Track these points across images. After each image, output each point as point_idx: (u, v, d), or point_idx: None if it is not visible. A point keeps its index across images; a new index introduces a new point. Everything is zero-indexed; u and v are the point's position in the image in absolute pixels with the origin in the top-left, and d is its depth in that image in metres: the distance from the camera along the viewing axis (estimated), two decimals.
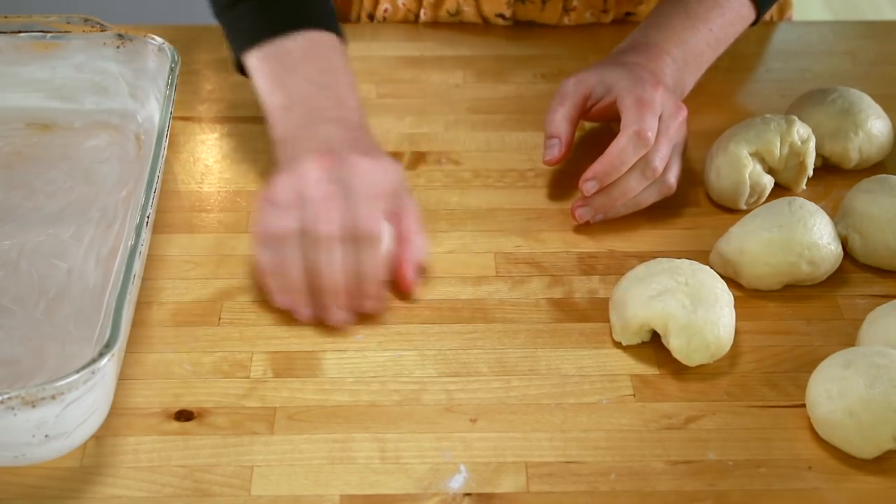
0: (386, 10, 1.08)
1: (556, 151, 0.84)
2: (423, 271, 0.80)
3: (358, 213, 0.73)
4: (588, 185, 0.81)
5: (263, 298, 0.77)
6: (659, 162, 0.81)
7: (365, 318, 0.76)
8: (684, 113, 0.84)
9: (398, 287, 0.78)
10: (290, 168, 0.75)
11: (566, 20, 1.07)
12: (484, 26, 1.07)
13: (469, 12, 1.07)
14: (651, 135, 0.80)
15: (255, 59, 0.81)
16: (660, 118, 0.81)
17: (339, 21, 0.84)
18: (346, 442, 0.68)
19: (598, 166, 0.81)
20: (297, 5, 0.82)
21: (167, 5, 2.17)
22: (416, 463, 0.67)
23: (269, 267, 0.75)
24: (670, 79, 0.87)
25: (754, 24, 0.95)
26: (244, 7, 0.82)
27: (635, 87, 0.82)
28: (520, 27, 1.07)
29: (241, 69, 0.84)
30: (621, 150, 0.80)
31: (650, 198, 0.84)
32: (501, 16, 1.07)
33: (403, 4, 1.07)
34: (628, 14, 1.08)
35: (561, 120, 0.85)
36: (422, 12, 1.07)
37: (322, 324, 0.76)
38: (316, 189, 0.73)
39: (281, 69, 0.81)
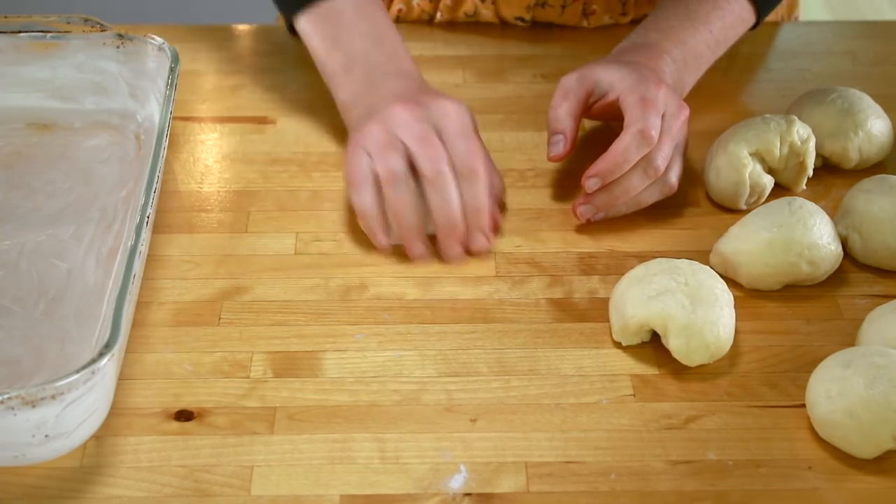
0: (400, 10, 1.07)
1: (560, 148, 0.84)
2: (503, 208, 0.84)
3: (458, 150, 0.77)
4: (590, 183, 0.81)
5: (363, 239, 0.81)
6: (661, 161, 0.81)
7: (472, 254, 0.80)
8: (686, 112, 0.83)
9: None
10: (376, 117, 0.78)
11: (585, 23, 1.07)
12: (485, 26, 1.07)
13: (487, 14, 1.06)
14: (654, 134, 0.80)
15: (306, 22, 0.85)
16: (662, 117, 0.81)
17: None
18: (346, 442, 0.68)
19: (600, 164, 0.81)
20: None
21: (167, 5, 2.17)
22: (416, 463, 0.67)
23: (372, 209, 0.78)
24: (670, 78, 0.87)
25: (755, 27, 0.95)
26: None
27: (638, 86, 0.82)
28: (520, 27, 1.07)
29: (294, 31, 0.88)
30: (624, 149, 0.80)
31: (652, 197, 0.83)
32: (521, 19, 1.06)
33: (418, 5, 1.07)
34: (646, 17, 1.07)
35: (565, 116, 0.84)
36: (438, 14, 1.07)
37: (436, 258, 0.80)
38: (411, 131, 0.77)
39: (334, 29, 0.85)
